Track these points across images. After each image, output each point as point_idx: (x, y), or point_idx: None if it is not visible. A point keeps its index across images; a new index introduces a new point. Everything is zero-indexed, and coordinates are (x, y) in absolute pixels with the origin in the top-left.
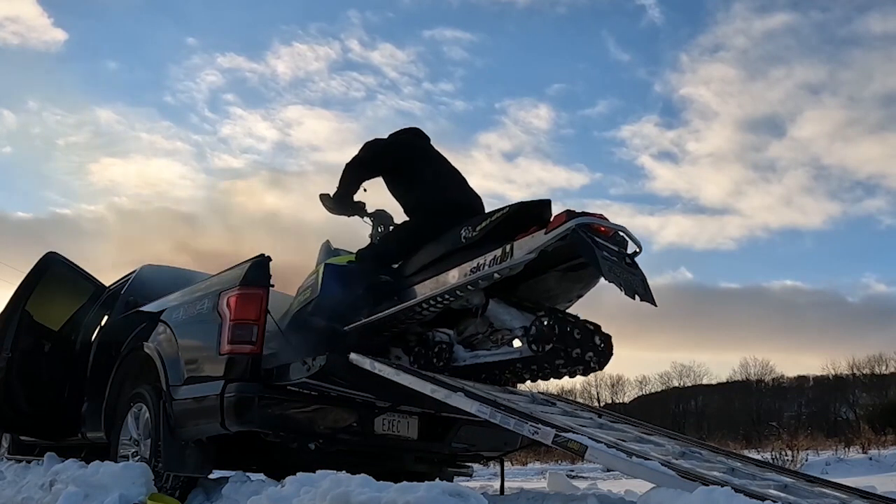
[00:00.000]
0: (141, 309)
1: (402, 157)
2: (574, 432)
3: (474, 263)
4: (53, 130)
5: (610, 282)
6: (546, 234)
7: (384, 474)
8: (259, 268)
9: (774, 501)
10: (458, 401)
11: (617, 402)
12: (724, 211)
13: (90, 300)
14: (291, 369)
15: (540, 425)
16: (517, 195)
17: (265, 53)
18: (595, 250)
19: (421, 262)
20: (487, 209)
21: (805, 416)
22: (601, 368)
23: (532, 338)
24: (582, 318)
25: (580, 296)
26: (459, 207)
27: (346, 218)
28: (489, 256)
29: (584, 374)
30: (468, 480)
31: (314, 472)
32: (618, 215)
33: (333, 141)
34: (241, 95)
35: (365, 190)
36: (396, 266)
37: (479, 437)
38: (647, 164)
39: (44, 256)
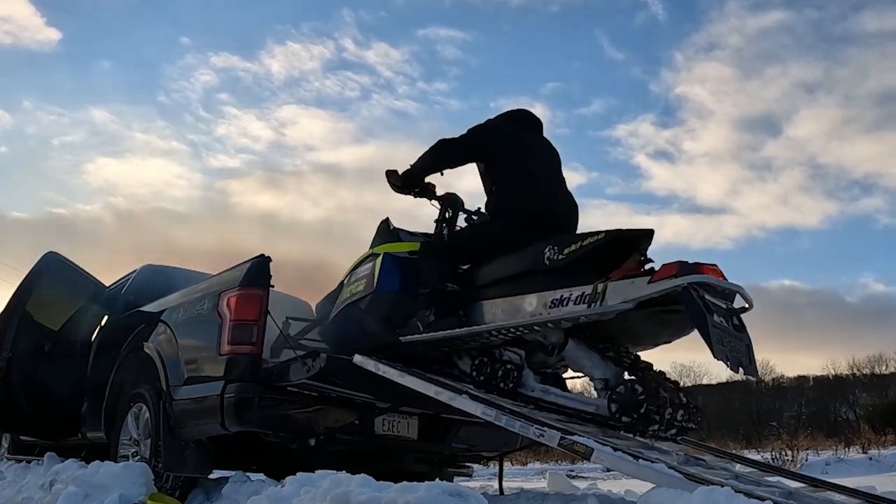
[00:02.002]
0: (141, 309)
1: (490, 147)
2: (579, 434)
3: (557, 295)
4: (48, 130)
5: (717, 359)
6: (650, 283)
7: (384, 474)
8: (259, 268)
9: (775, 502)
10: (463, 403)
11: None
12: (720, 210)
13: (90, 300)
14: (291, 370)
15: (545, 428)
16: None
17: (259, 53)
18: (707, 318)
19: (495, 274)
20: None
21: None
22: (695, 427)
23: (615, 401)
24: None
25: (667, 342)
26: (551, 218)
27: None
28: (576, 292)
29: (676, 437)
30: (468, 480)
31: (314, 472)
32: (615, 215)
33: (329, 141)
34: (236, 95)
35: (442, 174)
36: (465, 268)
37: (479, 437)
38: (643, 164)
39: (44, 256)
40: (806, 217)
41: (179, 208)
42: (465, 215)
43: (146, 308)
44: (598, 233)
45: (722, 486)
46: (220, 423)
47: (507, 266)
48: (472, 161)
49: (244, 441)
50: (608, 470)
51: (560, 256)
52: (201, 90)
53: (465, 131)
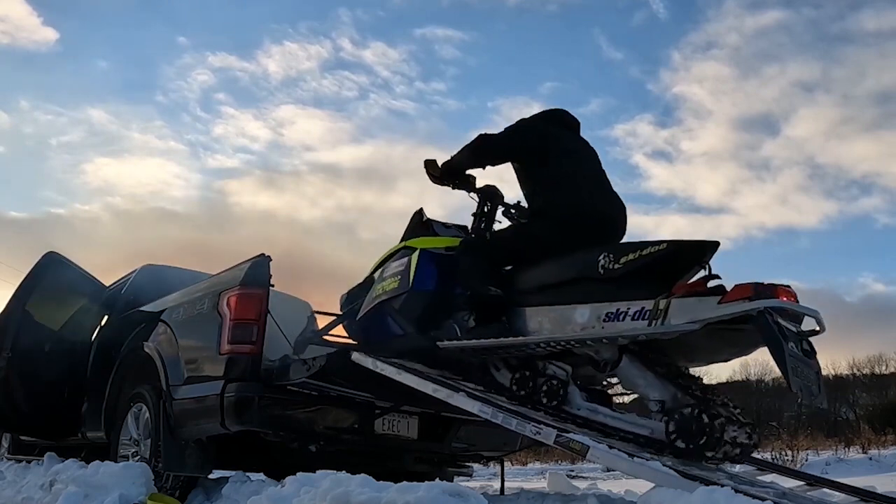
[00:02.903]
0: (141, 309)
1: (533, 147)
2: (575, 432)
3: (612, 308)
4: (46, 130)
5: (792, 391)
6: (720, 304)
7: (384, 474)
8: (259, 267)
9: (775, 502)
10: (460, 401)
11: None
12: (719, 210)
13: (90, 300)
14: (291, 369)
15: (542, 426)
16: (512, 194)
17: (256, 52)
18: (784, 347)
19: (542, 279)
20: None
21: (805, 416)
22: (757, 446)
23: (674, 425)
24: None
25: (724, 361)
26: (601, 221)
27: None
28: (634, 306)
29: (740, 457)
30: (468, 480)
31: (314, 472)
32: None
33: (326, 140)
34: (233, 95)
35: (483, 168)
36: (508, 268)
37: (479, 436)
38: (641, 164)
39: (44, 256)
40: (805, 217)
41: (178, 208)
42: (503, 209)
43: (146, 308)
44: (659, 242)
45: (722, 487)
46: (220, 422)
47: (557, 272)
48: (511, 160)
49: (244, 441)
50: (608, 470)
51: (616, 266)
52: (199, 90)
53: (503, 129)
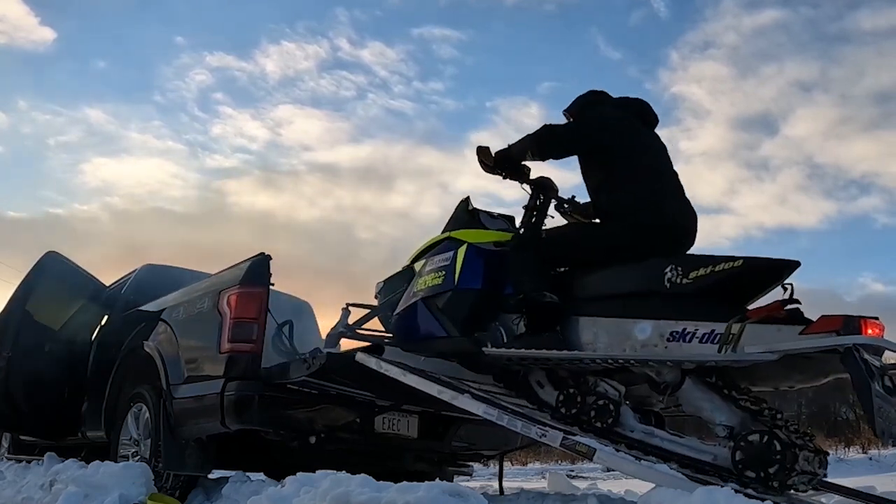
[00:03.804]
0: (141, 308)
1: (604, 142)
2: (581, 435)
3: (678, 327)
4: (44, 130)
5: (876, 434)
6: (802, 335)
7: (384, 474)
8: (259, 266)
9: (775, 502)
10: (465, 402)
11: None
12: (718, 210)
13: (90, 300)
14: (292, 367)
15: (548, 428)
16: (511, 195)
17: (254, 52)
18: (871, 387)
19: (600, 288)
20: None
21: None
22: (825, 475)
23: (743, 453)
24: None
25: (790, 388)
26: (673, 229)
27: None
28: (703, 328)
29: (809, 484)
30: (468, 480)
31: (314, 472)
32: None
33: (325, 140)
34: (231, 94)
35: (544, 160)
36: (562, 270)
37: (479, 435)
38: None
39: (44, 256)
40: (804, 217)
41: (177, 208)
42: (555, 202)
43: (146, 307)
44: (734, 258)
45: (722, 487)
46: (220, 421)
47: (617, 281)
48: (577, 154)
49: (244, 440)
50: (608, 470)
51: (684, 280)
52: (196, 90)
53: (568, 119)
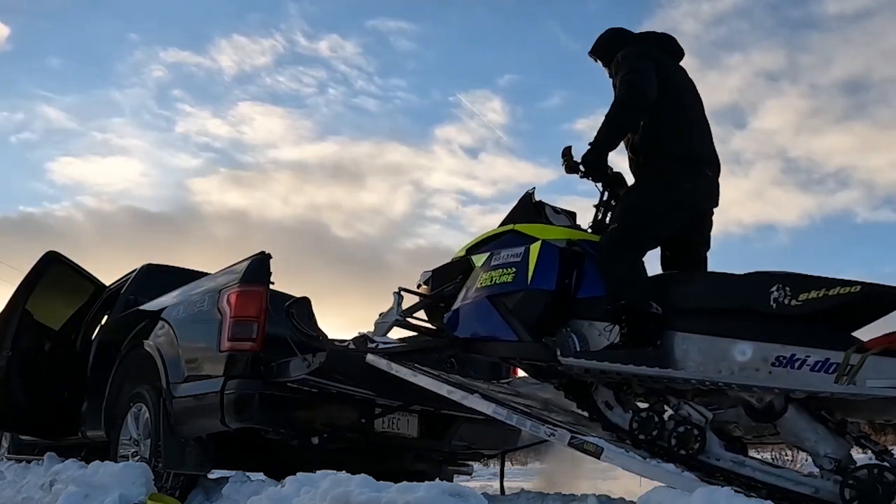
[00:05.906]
0: (141, 307)
1: (660, 89)
2: (589, 435)
3: (786, 352)
4: (2, 128)
5: None
6: None
7: (384, 474)
8: (259, 265)
9: (775, 502)
10: (475, 403)
11: None
12: None
13: (90, 300)
14: (292, 366)
15: (556, 428)
16: (484, 192)
17: (208, 47)
18: None
19: (695, 301)
20: (466, 208)
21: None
22: None
23: (852, 489)
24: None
25: (888, 421)
26: (711, 159)
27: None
28: (815, 355)
29: None
30: (468, 480)
31: (314, 472)
32: (588, 212)
33: (288, 138)
34: (190, 91)
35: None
36: (655, 277)
37: (480, 435)
38: (610, 159)
39: (44, 256)
40: (783, 212)
41: (148, 207)
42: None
43: (146, 307)
44: (851, 283)
45: (722, 487)
46: (220, 419)
47: (715, 295)
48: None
49: (244, 439)
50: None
51: (794, 302)
52: (155, 87)
53: (595, 61)
